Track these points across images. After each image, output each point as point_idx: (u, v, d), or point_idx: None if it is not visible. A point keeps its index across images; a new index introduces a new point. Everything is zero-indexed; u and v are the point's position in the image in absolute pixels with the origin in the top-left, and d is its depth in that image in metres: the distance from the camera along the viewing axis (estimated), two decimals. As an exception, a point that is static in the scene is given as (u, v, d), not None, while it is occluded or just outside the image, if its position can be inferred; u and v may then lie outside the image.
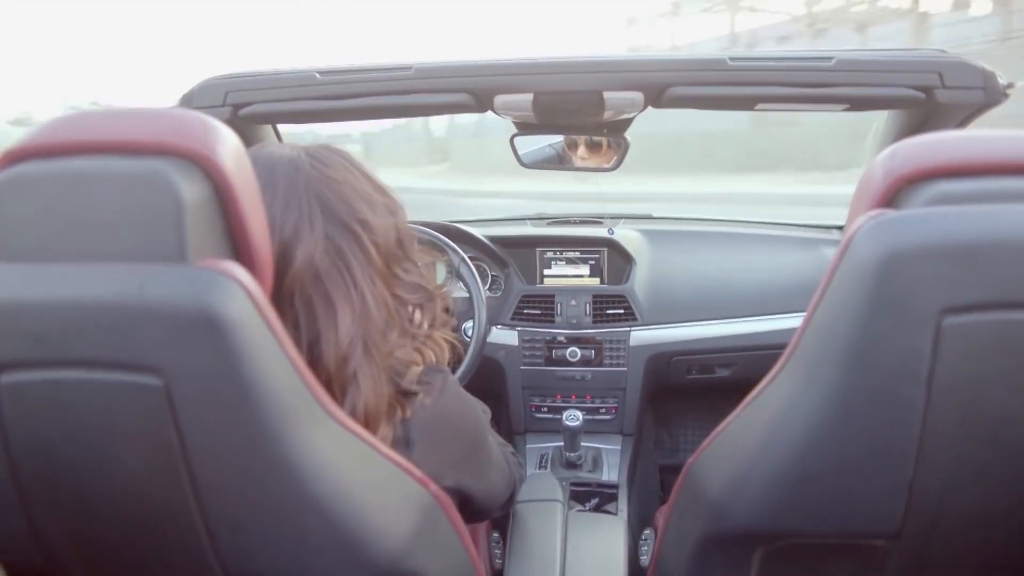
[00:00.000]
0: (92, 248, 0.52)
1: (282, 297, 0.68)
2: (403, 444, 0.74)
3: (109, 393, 0.52)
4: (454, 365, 1.46)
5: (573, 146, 1.52)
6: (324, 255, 0.70)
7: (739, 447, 0.73)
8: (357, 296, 0.71)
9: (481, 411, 0.91)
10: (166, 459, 0.54)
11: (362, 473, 0.62)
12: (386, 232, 0.75)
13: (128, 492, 0.56)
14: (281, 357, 0.54)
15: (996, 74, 1.07)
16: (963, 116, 1.14)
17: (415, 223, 1.54)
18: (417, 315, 0.80)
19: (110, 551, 0.61)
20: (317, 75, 1.20)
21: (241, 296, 0.51)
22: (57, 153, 0.53)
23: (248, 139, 1.36)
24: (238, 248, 0.57)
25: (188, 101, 1.23)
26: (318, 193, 0.71)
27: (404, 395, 0.76)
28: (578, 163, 1.54)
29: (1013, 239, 0.55)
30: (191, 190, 0.51)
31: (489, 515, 0.94)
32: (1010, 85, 1.07)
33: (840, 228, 1.88)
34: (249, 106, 1.23)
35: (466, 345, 1.49)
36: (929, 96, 1.09)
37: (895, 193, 0.61)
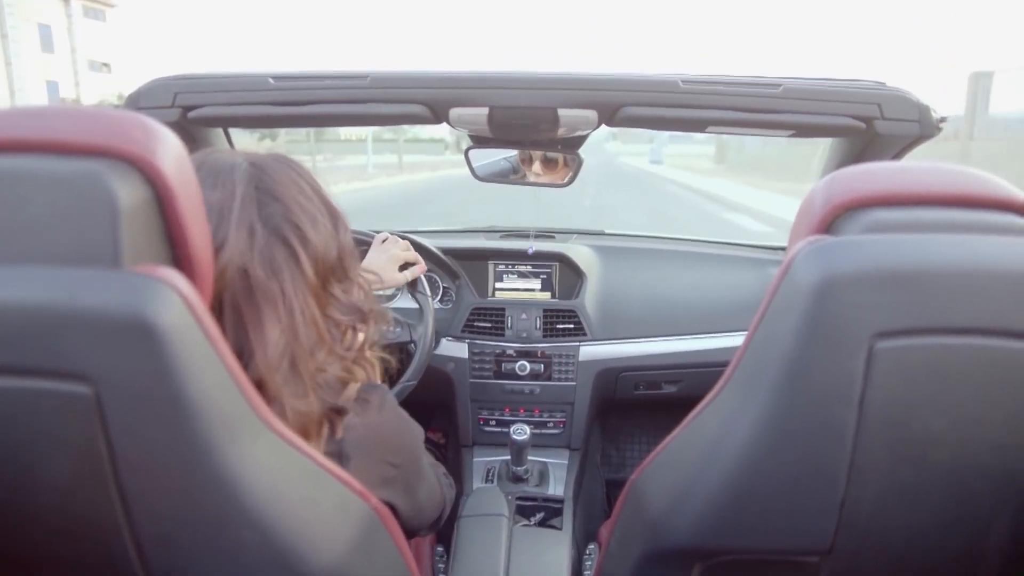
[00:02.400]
0: (20, 250, 0.49)
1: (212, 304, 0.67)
2: (337, 458, 0.73)
3: (35, 401, 0.50)
4: (397, 375, 1.46)
5: (528, 161, 1.53)
6: (258, 267, 0.68)
7: (680, 465, 0.74)
8: (286, 312, 0.69)
9: (417, 430, 0.90)
10: (93, 470, 0.52)
11: (300, 485, 0.61)
12: (325, 249, 0.73)
13: (51, 505, 0.54)
14: (218, 366, 0.53)
15: (930, 108, 1.11)
16: (900, 147, 1.19)
17: (373, 232, 1.53)
18: (348, 335, 0.78)
19: (30, 565, 0.59)
20: (271, 80, 1.18)
21: (177, 303, 0.50)
22: None
23: (197, 142, 1.33)
24: (177, 254, 0.55)
25: (134, 101, 1.20)
26: (257, 204, 0.69)
27: (337, 413, 0.74)
28: (532, 178, 1.55)
29: (941, 267, 0.57)
30: (128, 193, 0.50)
31: (414, 534, 0.93)
32: (943, 119, 1.12)
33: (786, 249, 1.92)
34: (199, 108, 1.21)
35: (412, 356, 1.48)
36: (869, 126, 1.14)
37: (832, 220, 0.63)
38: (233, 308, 0.68)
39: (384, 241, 1.40)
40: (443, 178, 20.91)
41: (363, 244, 1.42)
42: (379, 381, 0.88)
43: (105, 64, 33.95)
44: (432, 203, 13.60)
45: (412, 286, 1.49)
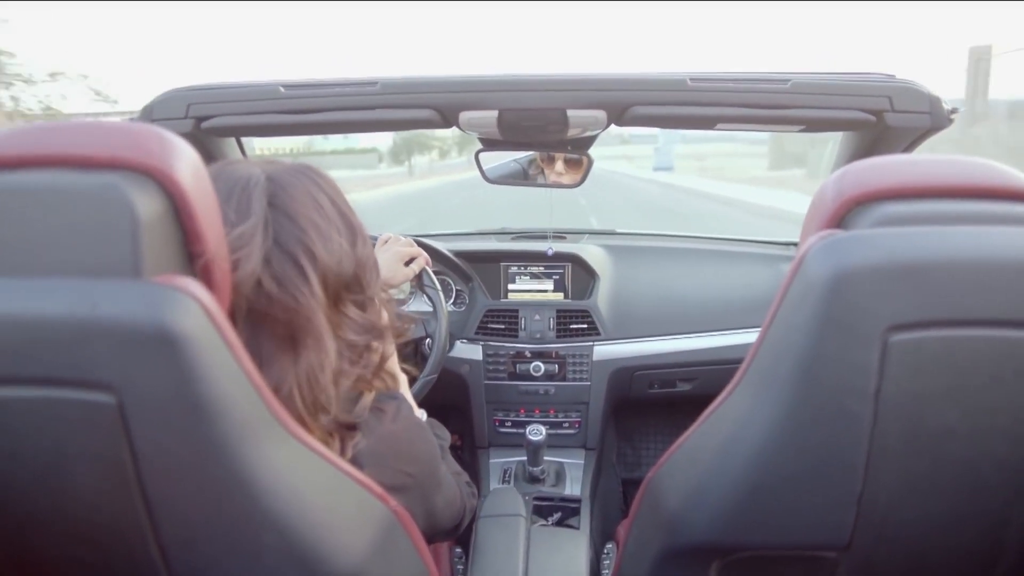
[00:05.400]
0: (43, 263, 0.51)
1: None
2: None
3: (59, 411, 0.51)
4: (413, 378, 1.47)
5: (549, 161, 1.54)
6: (271, 282, 0.67)
7: (696, 462, 0.74)
8: (303, 333, 0.68)
9: (436, 437, 0.90)
10: (118, 477, 0.53)
11: (320, 489, 0.62)
12: (339, 266, 0.71)
13: (76, 512, 0.55)
14: (239, 373, 0.54)
15: (941, 99, 1.11)
16: (911, 139, 1.18)
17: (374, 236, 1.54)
18: (364, 355, 0.76)
19: (55, 572, 0.60)
20: (282, 89, 1.20)
21: (197, 312, 0.50)
22: (8, 166, 0.52)
23: (211, 152, 1.35)
24: (195, 264, 0.56)
25: (148, 113, 1.21)
26: (271, 222, 0.69)
27: (348, 428, 0.73)
28: (553, 179, 1.55)
29: (953, 259, 0.57)
30: (147, 205, 0.51)
31: (430, 540, 0.93)
32: (954, 110, 1.11)
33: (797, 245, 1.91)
34: (212, 119, 1.22)
35: (425, 358, 1.49)
36: (879, 119, 1.13)
37: (845, 214, 0.63)
38: (250, 326, 0.67)
39: (386, 241, 1.41)
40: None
41: None
42: (403, 391, 0.88)
43: None
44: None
45: (419, 282, 1.50)
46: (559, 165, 1.53)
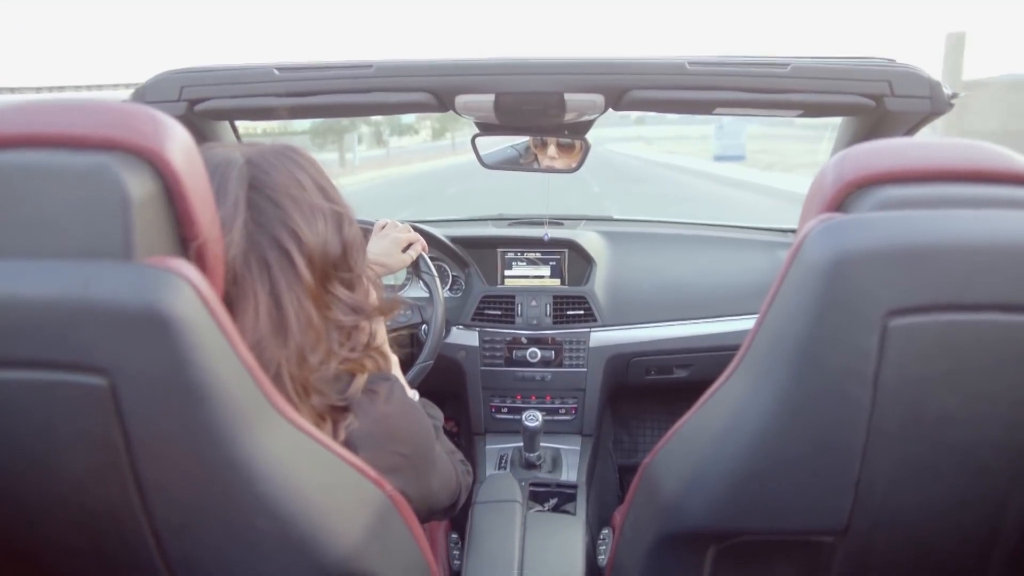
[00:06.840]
0: (34, 244, 0.50)
1: None
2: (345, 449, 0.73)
3: (51, 394, 0.50)
4: (411, 359, 1.46)
5: (542, 146, 1.53)
6: (243, 264, 0.67)
7: (693, 447, 0.74)
8: (277, 314, 0.68)
9: (429, 418, 0.90)
10: (110, 461, 0.52)
11: (315, 473, 0.61)
12: (324, 247, 0.71)
13: (69, 496, 0.54)
14: (232, 356, 0.53)
15: (941, 84, 1.10)
16: (912, 124, 1.18)
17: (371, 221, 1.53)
18: (353, 334, 0.76)
19: (49, 557, 0.59)
20: (276, 71, 1.19)
21: (189, 293, 0.50)
22: None
23: (204, 135, 1.34)
24: (187, 245, 0.56)
25: (141, 95, 1.20)
26: (251, 205, 0.68)
27: (340, 411, 0.73)
28: (546, 164, 1.55)
29: (954, 243, 0.57)
30: (139, 186, 0.50)
31: (425, 520, 0.93)
32: (955, 95, 1.10)
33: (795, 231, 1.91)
34: (205, 101, 1.21)
35: (422, 345, 1.49)
36: (879, 104, 1.12)
37: (844, 197, 0.63)
38: (239, 307, 0.67)
39: (383, 227, 1.40)
40: None
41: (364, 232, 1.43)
42: (395, 372, 0.87)
43: None
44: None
45: (416, 268, 1.49)
46: (551, 150, 1.52)
